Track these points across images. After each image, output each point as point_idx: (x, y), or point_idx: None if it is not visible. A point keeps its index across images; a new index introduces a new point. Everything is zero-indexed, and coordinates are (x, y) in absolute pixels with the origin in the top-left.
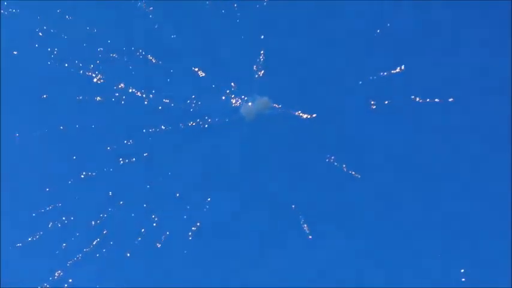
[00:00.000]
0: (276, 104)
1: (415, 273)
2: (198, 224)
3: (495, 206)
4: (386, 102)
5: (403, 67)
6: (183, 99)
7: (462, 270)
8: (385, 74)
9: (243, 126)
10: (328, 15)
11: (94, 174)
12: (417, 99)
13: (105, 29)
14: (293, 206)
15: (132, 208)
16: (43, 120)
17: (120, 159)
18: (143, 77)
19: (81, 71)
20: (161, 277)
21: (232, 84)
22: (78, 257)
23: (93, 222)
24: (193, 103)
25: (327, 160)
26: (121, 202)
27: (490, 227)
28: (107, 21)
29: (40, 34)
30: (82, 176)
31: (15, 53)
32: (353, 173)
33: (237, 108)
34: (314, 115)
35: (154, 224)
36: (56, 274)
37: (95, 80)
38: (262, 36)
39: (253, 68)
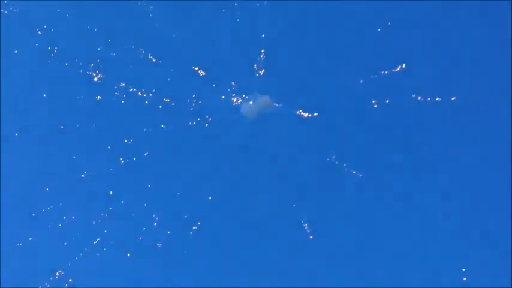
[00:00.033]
0: (276, 103)
1: (416, 272)
2: (199, 223)
3: (495, 206)
4: (387, 101)
5: (404, 65)
6: (184, 99)
7: (464, 269)
8: (386, 72)
9: (244, 125)
10: (329, 14)
11: (94, 173)
12: (419, 97)
13: (105, 28)
14: (294, 206)
15: (132, 208)
16: (43, 119)
17: (121, 158)
18: (143, 76)
19: (81, 70)
20: (161, 277)
21: (233, 83)
22: (78, 257)
23: (93, 222)
24: (194, 102)
25: (328, 159)
26: (122, 201)
27: (490, 227)
28: (107, 20)
29: (39, 33)
30: (82, 176)
31: (15, 52)
32: (354, 172)
33: (237, 107)
34: (315, 114)
35: (154, 224)
36: (57, 274)
37: (95, 79)
38: (263, 35)
39: (253, 66)
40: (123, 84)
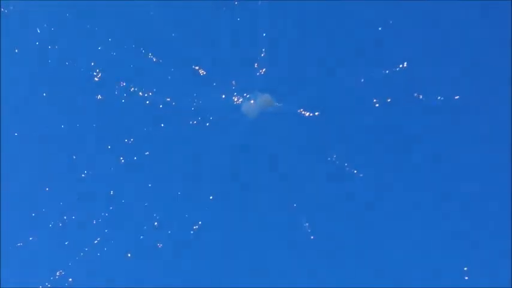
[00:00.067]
0: (277, 101)
1: (416, 272)
2: (200, 223)
3: (495, 206)
4: (389, 100)
5: (405, 64)
6: (184, 98)
7: (466, 268)
8: (387, 71)
9: (245, 124)
10: (330, 13)
11: (94, 173)
12: (420, 96)
13: (105, 27)
14: (294, 205)
15: (133, 207)
16: (43, 119)
17: (121, 158)
18: (144, 75)
19: (82, 70)
20: (162, 277)
21: (233, 82)
22: (78, 257)
23: (94, 222)
24: (195, 101)
25: (329, 159)
26: (122, 201)
27: (490, 227)
28: (107, 19)
29: (38, 31)
30: (82, 176)
31: (15, 51)
32: (355, 171)
33: (238, 106)
34: (316, 113)
35: (155, 223)
36: (57, 273)
37: (95, 78)
38: (264, 34)
39: (254, 65)
40: (124, 84)
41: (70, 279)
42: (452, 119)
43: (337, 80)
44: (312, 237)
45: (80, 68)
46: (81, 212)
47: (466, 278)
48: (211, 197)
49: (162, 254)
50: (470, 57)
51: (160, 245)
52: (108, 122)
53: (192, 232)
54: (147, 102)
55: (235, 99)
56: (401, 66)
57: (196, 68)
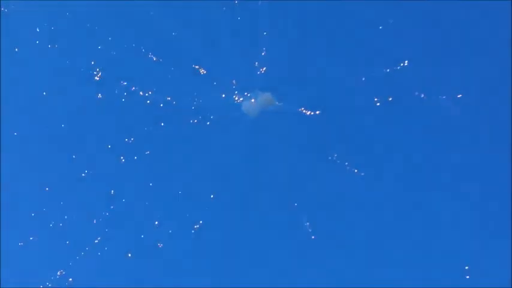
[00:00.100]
0: (278, 100)
1: (417, 272)
2: (201, 222)
3: (496, 206)
4: (390, 99)
5: (406, 63)
6: (185, 97)
7: (467, 267)
8: (388, 70)
9: (245, 123)
10: (331, 12)
11: (95, 172)
12: (421, 95)
13: (106, 27)
14: (295, 204)
15: (133, 207)
16: (43, 119)
17: (122, 157)
18: (144, 75)
19: (82, 69)
20: (162, 277)
21: (234, 81)
22: (79, 256)
23: (94, 221)
24: (195, 100)
25: (330, 158)
26: (123, 200)
27: (490, 227)
28: (107, 18)
29: (38, 30)
30: (83, 175)
31: (16, 50)
32: (356, 170)
33: (239, 105)
34: (317, 112)
35: (156, 223)
36: (58, 273)
37: (95, 78)
38: (264, 33)
39: (255, 64)
40: (124, 83)
41: (70, 279)
42: (452, 119)
43: (338, 78)
44: (313, 237)
45: (80, 67)
46: (81, 211)
47: (467, 277)
48: (212, 196)
49: (162, 253)
50: (471, 56)
51: (160, 245)
52: (108, 121)
53: (192, 231)
54: (148, 101)
55: (236, 98)
56: (402, 65)
57: (197, 67)
